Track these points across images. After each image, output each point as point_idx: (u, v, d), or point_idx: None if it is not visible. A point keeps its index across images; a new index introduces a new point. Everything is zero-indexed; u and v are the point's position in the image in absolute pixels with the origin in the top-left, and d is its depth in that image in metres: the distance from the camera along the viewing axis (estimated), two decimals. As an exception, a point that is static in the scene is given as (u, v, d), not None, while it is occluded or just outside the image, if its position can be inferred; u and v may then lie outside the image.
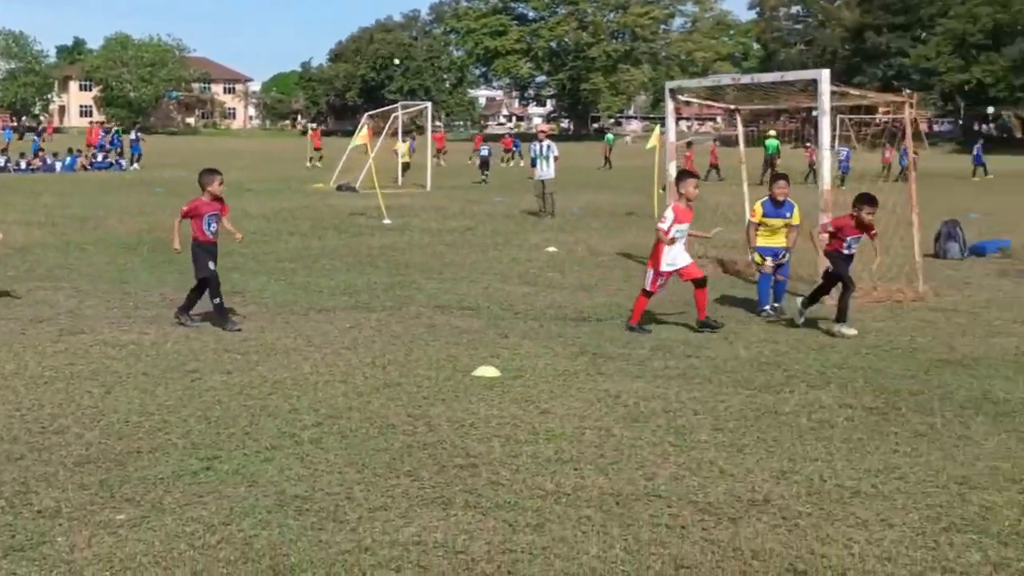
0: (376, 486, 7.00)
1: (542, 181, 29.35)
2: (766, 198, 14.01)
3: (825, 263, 12.97)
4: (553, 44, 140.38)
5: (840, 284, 12.54)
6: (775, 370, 10.56)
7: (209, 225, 12.41)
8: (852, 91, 16.61)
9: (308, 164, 54.70)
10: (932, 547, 6.05)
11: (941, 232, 19.91)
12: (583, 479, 7.18)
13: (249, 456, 7.59)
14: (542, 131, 32.40)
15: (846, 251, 12.58)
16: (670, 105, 17.63)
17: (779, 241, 13.90)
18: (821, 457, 7.72)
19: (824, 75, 14.59)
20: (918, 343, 11.96)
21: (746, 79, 17.63)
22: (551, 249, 20.74)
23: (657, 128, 23.14)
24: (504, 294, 15.31)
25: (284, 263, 18.13)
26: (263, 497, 6.74)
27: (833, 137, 48.21)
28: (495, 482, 7.10)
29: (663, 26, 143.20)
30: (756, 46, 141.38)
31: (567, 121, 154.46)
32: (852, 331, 12.25)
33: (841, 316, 12.41)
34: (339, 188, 37.76)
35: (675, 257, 12.69)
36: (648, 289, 12.73)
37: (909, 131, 15.68)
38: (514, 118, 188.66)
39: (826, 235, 12.80)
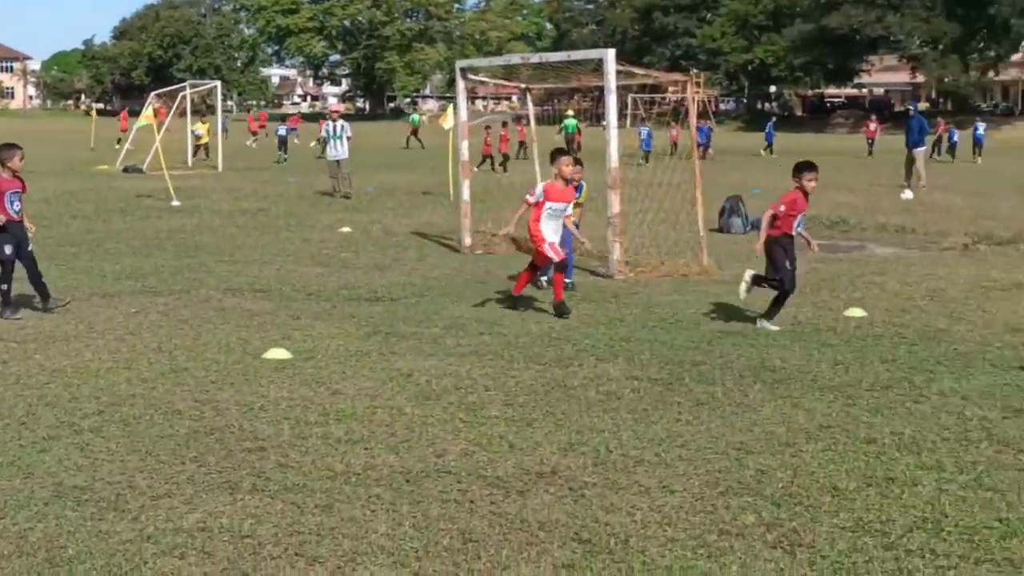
0: (160, 473, 6.86)
1: (336, 161, 29.13)
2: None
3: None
4: (347, 23, 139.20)
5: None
6: (565, 345, 10.74)
7: (12, 203, 11.83)
8: (637, 71, 16.94)
9: (116, 146, 53.24)
10: (710, 511, 6.26)
11: (725, 208, 20.54)
12: (373, 458, 7.18)
13: (25, 447, 7.33)
14: (335, 111, 32.20)
15: (795, 231, 11.65)
16: (460, 84, 17.69)
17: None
18: (608, 428, 7.89)
19: (609, 55, 14.85)
20: (702, 315, 12.32)
21: (535, 58, 17.82)
22: (345, 229, 20.60)
23: (451, 107, 23.16)
24: (297, 275, 15.15)
25: (65, 247, 17.52)
26: (39, 488, 6.53)
27: (629, 116, 49.31)
28: (284, 464, 7.04)
29: (457, 5, 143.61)
30: (549, 26, 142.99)
31: (363, 101, 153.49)
32: (775, 327, 11.45)
33: (770, 313, 11.65)
34: (125, 170, 36.75)
35: (550, 235, 12.49)
36: (556, 260, 12.43)
37: (693, 110, 16.07)
38: (309, 97, 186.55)
39: (768, 218, 11.74)
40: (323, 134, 32.69)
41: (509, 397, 8.73)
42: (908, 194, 28.09)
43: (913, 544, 5.78)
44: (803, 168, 11.69)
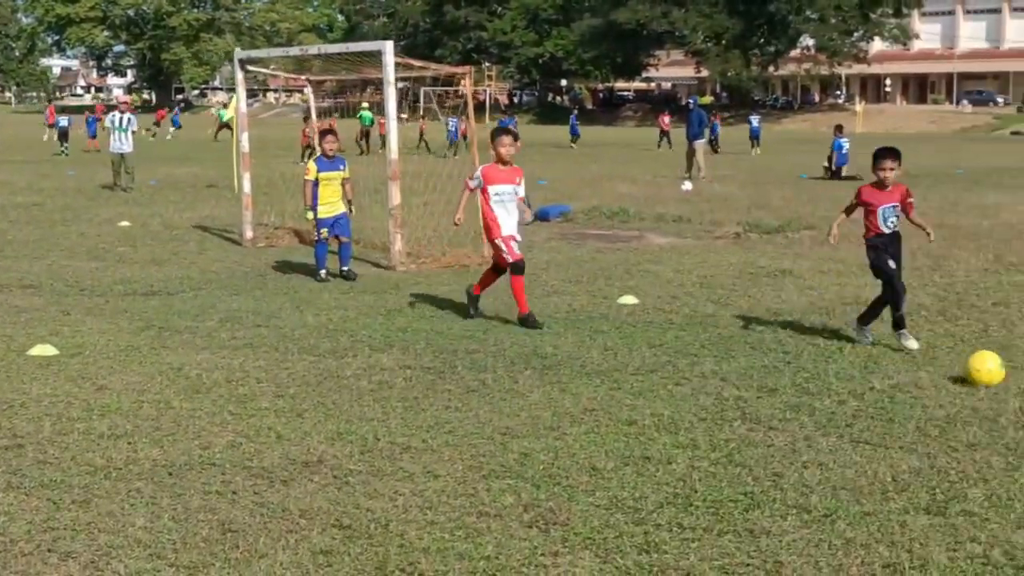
0: (-91, 474, 6.64)
1: (120, 154, 28.36)
2: (319, 155, 14.44)
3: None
4: (131, 12, 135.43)
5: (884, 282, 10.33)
6: (341, 336, 10.76)
7: None
8: (415, 63, 17.06)
9: (45, 138, 52.69)
10: (472, 494, 6.39)
11: (508, 198, 20.78)
12: (136, 452, 7.08)
13: None
14: (124, 103, 31.31)
15: (888, 229, 10.26)
16: (239, 76, 17.48)
17: (337, 208, 14.27)
18: (377, 417, 7.96)
19: (387, 47, 14.91)
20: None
21: (313, 50, 17.76)
22: (124, 223, 20.13)
23: (234, 98, 22.87)
24: (70, 271, 14.76)
25: None
26: None
27: (422, 108, 49.53)
28: (42, 461, 6.89)
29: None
30: (341, 18, 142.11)
31: (149, 92, 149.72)
32: (915, 343, 10.21)
33: (898, 322, 10.32)
34: None
35: (509, 226, 11.47)
36: (512, 260, 11.35)
37: (471, 102, 16.27)
38: (92, 89, 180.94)
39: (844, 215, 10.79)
40: (106, 125, 31.76)
41: (280, 389, 8.72)
42: (688, 185, 28.96)
43: (662, 519, 6.02)
44: (883, 156, 10.25)
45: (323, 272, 14.12)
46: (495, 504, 6.22)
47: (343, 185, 14.47)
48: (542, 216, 20.91)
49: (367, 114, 46.46)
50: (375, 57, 17.23)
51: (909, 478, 6.67)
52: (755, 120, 53.07)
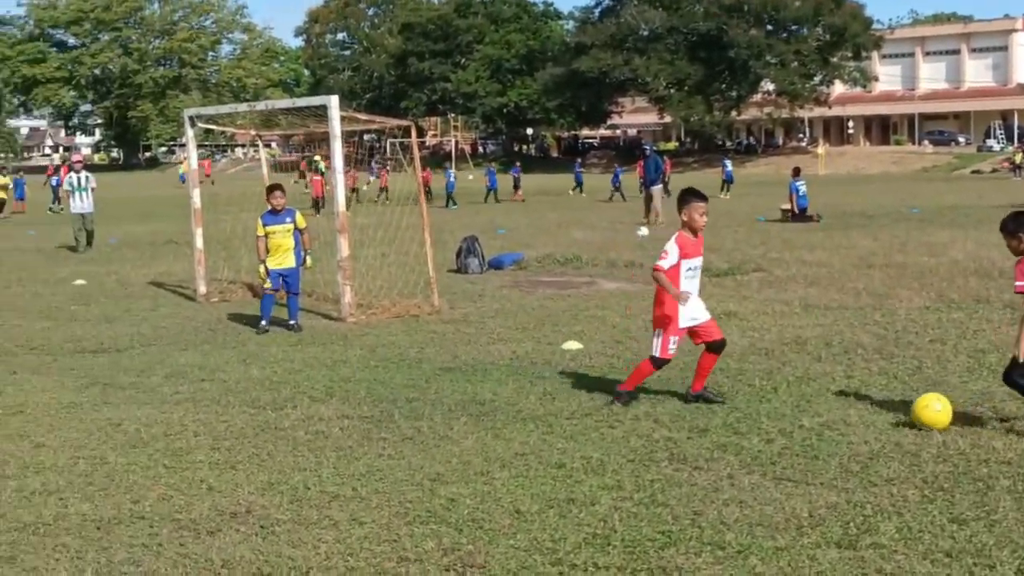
0: None
1: (81, 215, 28.20)
2: (266, 211, 14.72)
3: None
4: (97, 71, 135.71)
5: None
6: (284, 387, 10.87)
7: None
8: (360, 116, 17.32)
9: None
10: (394, 539, 6.51)
11: (462, 248, 20.99)
12: (66, 508, 7.17)
13: None
14: (77, 161, 31.27)
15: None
16: (190, 132, 17.65)
17: (288, 262, 14.43)
18: (310, 467, 8.07)
19: (332, 101, 15.12)
20: (425, 353, 12.61)
21: (260, 106, 17.93)
22: (79, 282, 20.20)
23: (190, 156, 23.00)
24: (21, 330, 14.83)
25: None
26: None
27: (391, 161, 49.82)
28: (-28, 519, 6.98)
29: (211, 53, 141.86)
30: (307, 72, 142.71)
31: (116, 150, 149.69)
32: None
33: None
34: None
35: (695, 309, 9.80)
36: (658, 356, 9.77)
37: (416, 153, 16.46)
38: (60, 148, 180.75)
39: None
40: (66, 187, 31.81)
41: (217, 441, 8.82)
42: (644, 231, 29.19)
43: (579, 559, 6.15)
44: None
45: (264, 323, 14.32)
46: (416, 549, 6.34)
47: (302, 234, 14.76)
48: (497, 264, 21.10)
49: (320, 165, 46.86)
50: (311, 112, 17.44)
51: (825, 513, 6.82)
52: (728, 164, 53.64)
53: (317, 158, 46.57)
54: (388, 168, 50.43)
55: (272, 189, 14.83)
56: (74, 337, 14.24)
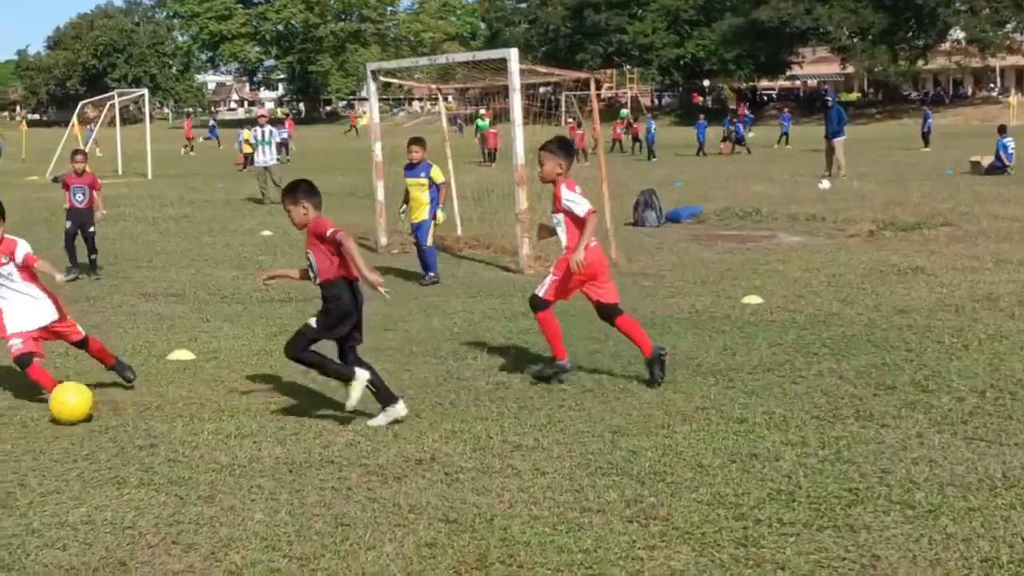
0: (51, 471, 7.08)
1: (265, 167, 29.20)
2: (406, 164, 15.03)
3: None
4: (280, 27, 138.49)
5: None
6: (464, 338, 11.02)
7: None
8: (539, 68, 17.27)
9: (182, 151, 57.84)
10: (577, 490, 6.56)
11: (639, 201, 20.88)
12: (260, 451, 7.42)
13: (-80, 451, 7.52)
14: (261, 116, 32.20)
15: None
16: (372, 86, 17.91)
17: (418, 215, 14.83)
18: (492, 416, 8.18)
19: (512, 54, 15.16)
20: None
21: (442, 59, 18.07)
22: (266, 233, 20.77)
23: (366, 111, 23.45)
24: (212, 279, 15.35)
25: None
26: (-72, 490, 6.73)
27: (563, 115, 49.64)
28: (172, 459, 7.27)
29: (390, 8, 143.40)
30: (483, 25, 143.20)
31: (299, 104, 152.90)
32: None
33: None
34: (55, 180, 36.60)
35: None
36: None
37: (596, 106, 16.40)
38: (245, 103, 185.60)
39: None
40: (252, 141, 32.79)
41: (401, 390, 8.96)
42: (826, 183, 28.58)
43: (763, 515, 6.10)
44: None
45: (432, 274, 14.70)
46: (598, 500, 6.38)
47: (439, 190, 14.97)
48: (674, 218, 20.96)
49: (482, 123, 46.94)
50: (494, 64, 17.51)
51: (1020, 474, 6.63)
52: (930, 116, 52.03)
53: (483, 112, 46.69)
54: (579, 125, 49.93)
55: (411, 143, 14.96)
56: (262, 286, 14.62)
